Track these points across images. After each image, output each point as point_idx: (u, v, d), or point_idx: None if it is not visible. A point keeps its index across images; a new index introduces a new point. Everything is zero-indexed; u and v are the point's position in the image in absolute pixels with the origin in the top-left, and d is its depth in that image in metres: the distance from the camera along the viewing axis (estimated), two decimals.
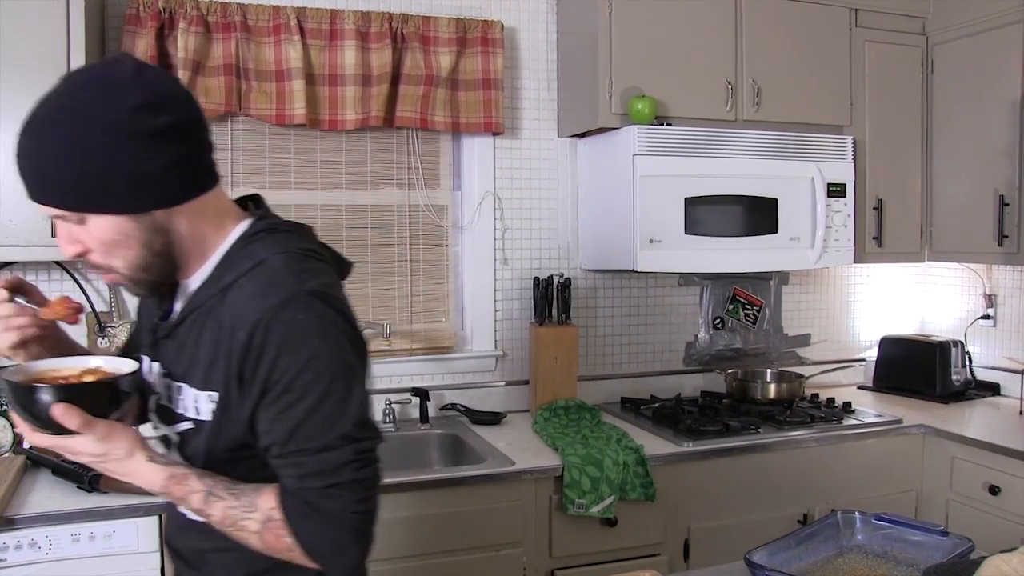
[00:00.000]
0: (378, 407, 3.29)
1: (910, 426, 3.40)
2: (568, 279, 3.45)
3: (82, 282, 2.94)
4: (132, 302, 3.00)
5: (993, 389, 3.95)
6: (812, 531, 1.91)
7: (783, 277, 4.06)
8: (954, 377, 3.87)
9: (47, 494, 2.43)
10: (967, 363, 3.96)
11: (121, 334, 2.89)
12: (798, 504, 3.19)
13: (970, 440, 3.23)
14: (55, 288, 2.92)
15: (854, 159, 3.55)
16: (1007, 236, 3.42)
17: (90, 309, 2.94)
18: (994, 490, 3.11)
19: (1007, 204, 3.43)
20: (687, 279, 3.85)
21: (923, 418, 3.46)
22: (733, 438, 3.13)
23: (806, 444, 3.20)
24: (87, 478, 2.42)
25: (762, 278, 4.00)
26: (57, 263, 2.85)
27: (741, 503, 3.10)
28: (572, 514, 2.80)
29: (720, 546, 3.03)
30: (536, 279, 3.38)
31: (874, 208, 3.68)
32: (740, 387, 3.65)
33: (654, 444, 3.03)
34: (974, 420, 3.49)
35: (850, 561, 1.88)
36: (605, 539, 2.89)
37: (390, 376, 3.36)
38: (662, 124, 3.24)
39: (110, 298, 2.96)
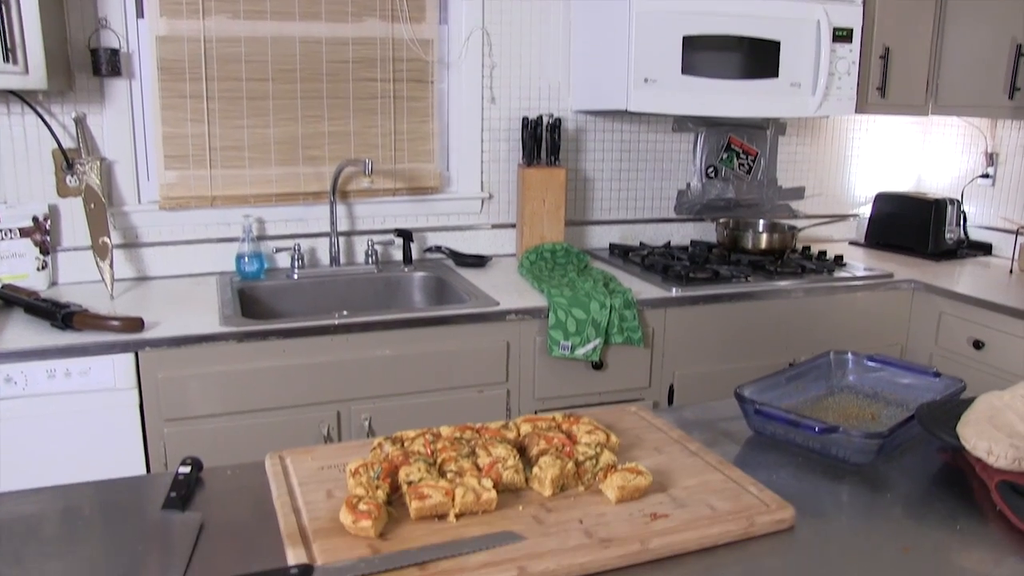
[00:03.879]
0: (360, 248, 3.22)
1: (900, 281, 3.36)
2: (558, 119, 3.32)
3: (45, 116, 2.77)
4: (102, 138, 2.86)
5: (985, 249, 3.91)
6: (803, 370, 1.88)
7: (780, 127, 3.95)
8: (947, 236, 3.82)
9: (20, 331, 2.36)
10: (962, 222, 3.91)
11: (92, 172, 2.75)
12: (784, 354, 3.17)
13: (959, 295, 3.21)
14: (16, 123, 2.76)
15: (863, 2, 3.38)
16: (1019, 89, 3.30)
17: (56, 146, 2.79)
18: (978, 345, 3.11)
19: None
20: (681, 124, 3.73)
21: (914, 274, 3.43)
22: (722, 285, 3.09)
23: (795, 294, 3.16)
24: (60, 316, 2.34)
25: (758, 127, 3.89)
26: (16, 94, 2.68)
27: (727, 351, 3.08)
28: (557, 356, 2.77)
29: (705, 392, 3.03)
30: (525, 119, 3.26)
31: (880, 56, 3.53)
32: (731, 236, 3.59)
33: (642, 289, 2.98)
34: (964, 277, 3.46)
35: (840, 400, 1.85)
36: (590, 382, 2.87)
37: (372, 216, 3.27)
38: None
39: (77, 134, 2.80)
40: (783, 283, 3.17)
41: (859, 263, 3.55)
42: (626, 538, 1.22)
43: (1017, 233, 3.62)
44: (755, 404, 1.62)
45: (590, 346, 2.78)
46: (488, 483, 1.29)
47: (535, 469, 1.36)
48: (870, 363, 1.92)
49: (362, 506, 1.21)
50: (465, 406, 2.70)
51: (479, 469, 1.35)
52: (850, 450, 1.54)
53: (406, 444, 1.43)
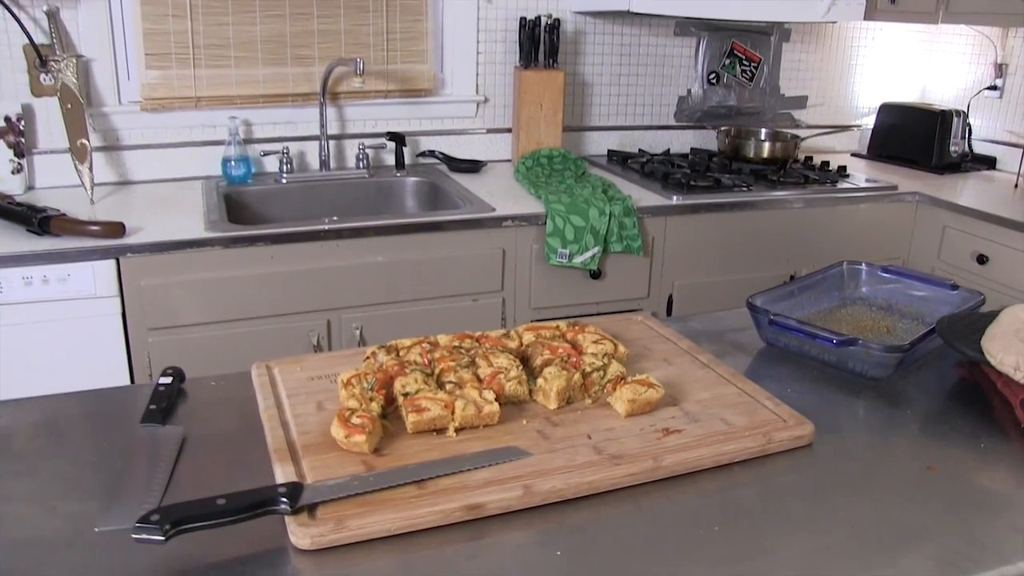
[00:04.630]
0: (351, 152, 3.10)
1: (904, 193, 3.28)
2: (557, 20, 3.17)
3: (14, 9, 2.58)
4: (77, 34, 2.70)
5: (989, 163, 3.82)
6: (815, 280, 1.80)
7: (784, 33, 3.80)
8: (952, 148, 3.72)
9: None
10: (967, 135, 3.80)
11: (67, 70, 2.60)
12: (785, 266, 3.11)
13: (963, 208, 3.14)
14: None
15: None
16: None
17: (27, 41, 2.62)
18: (982, 259, 3.05)
19: None
20: (683, 27, 3.57)
21: (917, 186, 3.35)
22: (724, 194, 3.00)
23: (798, 205, 3.07)
24: (37, 220, 2.23)
25: (762, 32, 3.74)
26: None
27: (727, 262, 3.01)
28: (554, 264, 2.68)
29: (704, 303, 2.96)
30: (522, 19, 3.12)
31: None
32: (732, 145, 3.48)
33: (642, 196, 2.88)
34: (968, 191, 3.38)
35: (853, 312, 1.78)
36: (587, 291, 2.79)
37: (364, 119, 3.13)
38: None
39: (50, 28, 2.63)
40: (785, 193, 3.08)
41: (862, 175, 3.45)
42: (637, 455, 1.15)
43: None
44: (769, 314, 1.54)
45: (588, 254, 2.70)
46: (490, 395, 1.21)
47: (539, 381, 1.28)
48: (884, 274, 1.84)
49: (355, 419, 1.13)
50: (459, 315, 2.63)
51: (480, 380, 1.27)
52: (868, 364, 1.47)
53: (401, 353, 1.35)
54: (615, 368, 1.32)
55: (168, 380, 1.32)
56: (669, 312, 2.96)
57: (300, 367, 1.37)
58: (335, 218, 2.49)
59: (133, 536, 0.89)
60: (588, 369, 1.30)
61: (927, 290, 1.80)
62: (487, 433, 1.19)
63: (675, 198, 2.90)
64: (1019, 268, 2.90)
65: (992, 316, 1.53)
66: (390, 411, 1.23)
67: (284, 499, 0.97)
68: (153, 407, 1.24)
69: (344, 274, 2.47)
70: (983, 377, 1.54)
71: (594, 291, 2.80)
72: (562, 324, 1.48)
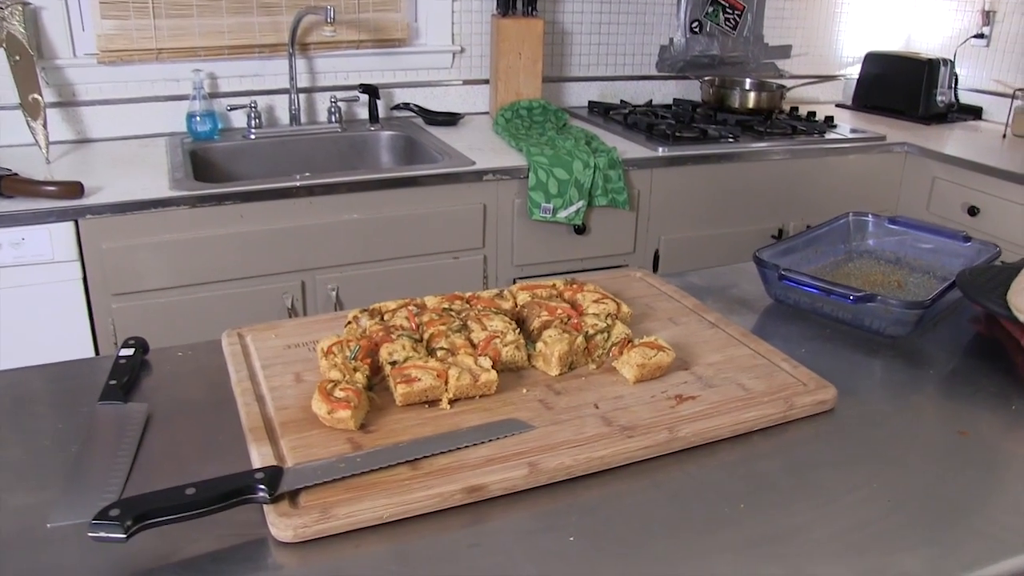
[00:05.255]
0: (322, 105, 2.94)
1: (893, 144, 3.19)
2: None
3: None
4: None
5: (975, 113, 3.74)
6: (820, 233, 1.69)
7: None
8: (939, 98, 3.63)
9: None
10: (953, 84, 3.71)
11: (13, 19, 2.43)
12: (772, 219, 3.02)
13: (953, 159, 3.05)
14: None
15: None
16: None
17: None
18: (973, 211, 2.97)
19: None
20: None
21: (905, 137, 3.26)
22: (710, 145, 2.89)
23: (786, 156, 2.97)
24: None
25: None
26: None
27: (714, 215, 2.91)
28: (537, 219, 2.57)
29: (691, 258, 2.87)
30: None
31: None
32: (717, 95, 3.36)
33: (627, 148, 2.77)
34: (957, 141, 3.29)
35: (861, 266, 1.68)
36: (572, 247, 2.68)
37: (335, 71, 2.98)
38: None
39: None
40: (772, 144, 2.98)
41: (848, 125, 3.36)
42: (651, 425, 1.05)
43: (1013, 97, 3.43)
44: (779, 270, 1.43)
45: (573, 208, 2.58)
46: (486, 362, 1.10)
47: (539, 345, 1.17)
48: (892, 226, 1.74)
49: (338, 392, 1.01)
50: (439, 273, 2.51)
51: (473, 346, 1.16)
52: (886, 321, 1.37)
53: (386, 317, 1.23)
54: (620, 330, 1.21)
55: (130, 352, 1.20)
56: (655, 268, 2.86)
57: (275, 334, 1.25)
58: (307, 174, 2.36)
59: (90, 535, 0.78)
60: (591, 331, 1.20)
61: (937, 242, 1.70)
62: (484, 404, 1.09)
63: (661, 150, 2.79)
64: (1011, 219, 2.83)
65: (1015, 268, 1.44)
66: (376, 382, 1.11)
67: (262, 486, 0.86)
68: (113, 382, 1.12)
69: (318, 233, 2.34)
70: (1003, 333, 1.45)
71: (579, 247, 2.70)
72: (559, 282, 1.37)
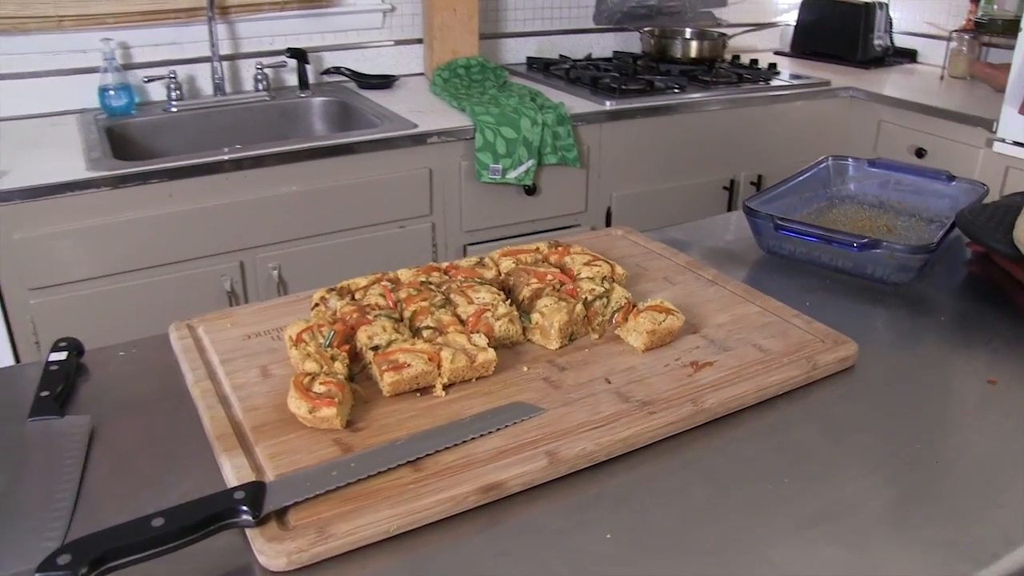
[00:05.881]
0: (247, 73, 2.75)
1: (838, 88, 3.13)
2: None
3: None
4: None
5: (911, 56, 3.71)
6: (801, 180, 1.60)
7: None
8: (876, 42, 3.59)
9: None
10: (889, 28, 3.66)
11: None
12: (723, 170, 2.94)
13: (899, 101, 3.00)
14: None
15: None
16: None
17: None
18: (920, 153, 2.93)
19: None
20: None
21: (847, 81, 3.20)
22: (658, 97, 2.78)
23: (734, 105, 2.89)
24: None
25: None
26: None
27: (665, 169, 2.81)
28: (486, 181, 2.43)
29: (644, 214, 2.77)
30: None
31: None
32: (658, 45, 3.25)
33: (573, 104, 2.64)
34: (897, 84, 3.25)
35: (846, 212, 1.59)
36: (523, 209, 2.56)
37: (259, 36, 2.78)
38: None
39: None
40: (720, 93, 2.88)
41: (789, 72, 3.28)
42: (671, 398, 0.94)
43: (949, 39, 3.40)
44: (775, 219, 1.33)
45: (522, 168, 2.46)
46: (481, 339, 0.98)
47: (535, 316, 1.05)
48: (872, 168, 1.66)
49: (318, 387, 0.88)
50: (386, 244, 2.37)
51: (462, 322, 1.03)
52: (890, 268, 1.28)
53: (358, 297, 1.09)
54: (620, 294, 1.09)
55: (62, 356, 1.03)
56: (608, 225, 2.75)
57: (231, 323, 1.10)
58: (237, 147, 2.18)
59: None
60: (589, 298, 1.07)
61: (919, 183, 1.62)
62: (483, 388, 0.96)
63: (608, 103, 2.68)
64: (958, 160, 2.79)
65: (1014, 206, 1.36)
66: (357, 371, 0.98)
67: (244, 507, 0.72)
68: (45, 394, 0.95)
69: (254, 208, 2.17)
70: (1000, 273, 1.38)
71: (529, 208, 2.57)
72: (542, 245, 1.24)
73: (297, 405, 0.86)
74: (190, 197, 2.08)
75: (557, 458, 0.83)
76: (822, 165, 1.65)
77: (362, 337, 0.98)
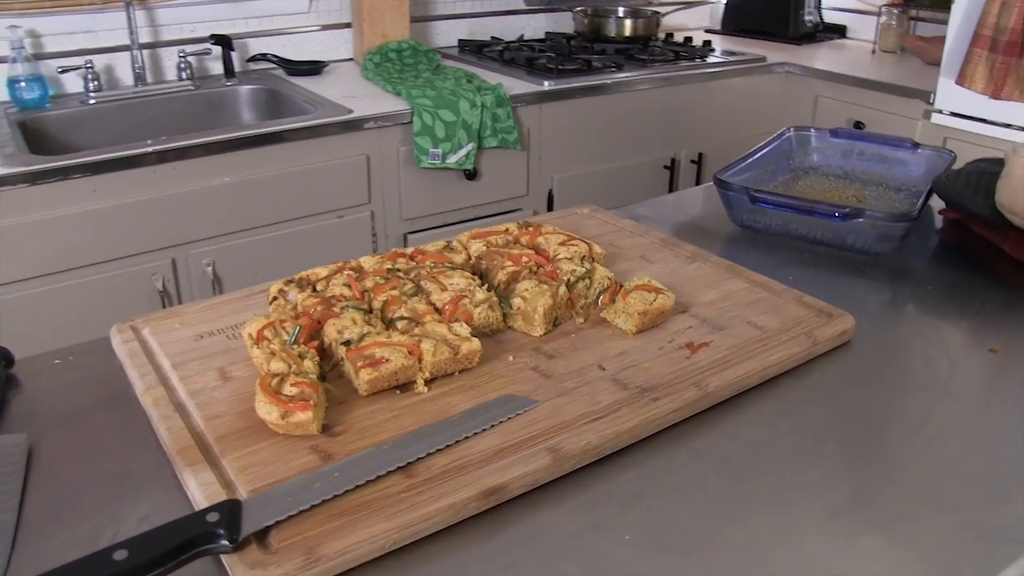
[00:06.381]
0: (170, 62, 2.60)
1: (774, 64, 3.11)
2: None
3: None
4: None
5: (840, 31, 3.71)
6: (763, 153, 1.54)
7: None
8: (806, 18, 3.58)
9: None
10: (818, 4, 3.67)
11: None
12: (664, 149, 2.89)
13: (835, 75, 3.00)
14: None
15: None
16: None
17: None
18: (859, 126, 2.92)
19: None
20: None
21: (781, 57, 3.19)
22: (596, 76, 2.72)
23: (672, 82, 2.84)
24: None
25: None
26: None
27: (605, 150, 2.76)
28: (426, 167, 2.34)
29: (585, 196, 2.66)
30: None
31: None
32: (592, 24, 3.19)
33: (511, 85, 2.56)
34: (831, 59, 3.24)
35: (812, 184, 1.55)
36: (463, 194, 2.47)
37: (181, 23, 2.63)
38: None
39: None
40: (657, 71, 2.83)
41: (722, 49, 3.25)
42: (672, 382, 0.87)
43: (879, 14, 3.41)
44: (750, 191, 1.27)
45: (463, 152, 2.37)
46: (463, 328, 0.89)
47: (516, 301, 0.97)
48: (835, 139, 1.61)
49: (288, 389, 0.78)
50: (325, 235, 2.26)
51: (438, 311, 0.94)
52: (871, 238, 1.23)
53: (320, 287, 1.00)
54: (603, 274, 1.02)
55: None
56: (550, 208, 2.68)
57: (178, 322, 0.99)
58: (163, 138, 2.05)
59: None
60: (571, 279, 1.00)
61: (883, 152, 1.59)
62: (468, 381, 0.88)
63: (546, 83, 2.60)
64: (896, 132, 2.70)
65: (989, 172, 1.33)
66: (328, 369, 0.88)
67: (220, 530, 0.62)
68: None
69: (184, 202, 2.04)
70: (977, 241, 1.35)
71: (470, 193, 2.49)
72: (512, 226, 1.16)
73: (267, 410, 0.77)
74: (115, 192, 1.95)
75: (561, 454, 0.76)
76: (784, 136, 1.60)
77: (331, 331, 0.89)
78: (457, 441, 0.77)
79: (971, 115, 2.54)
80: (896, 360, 0.99)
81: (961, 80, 2.47)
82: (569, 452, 0.76)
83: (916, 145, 1.55)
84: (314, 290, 0.99)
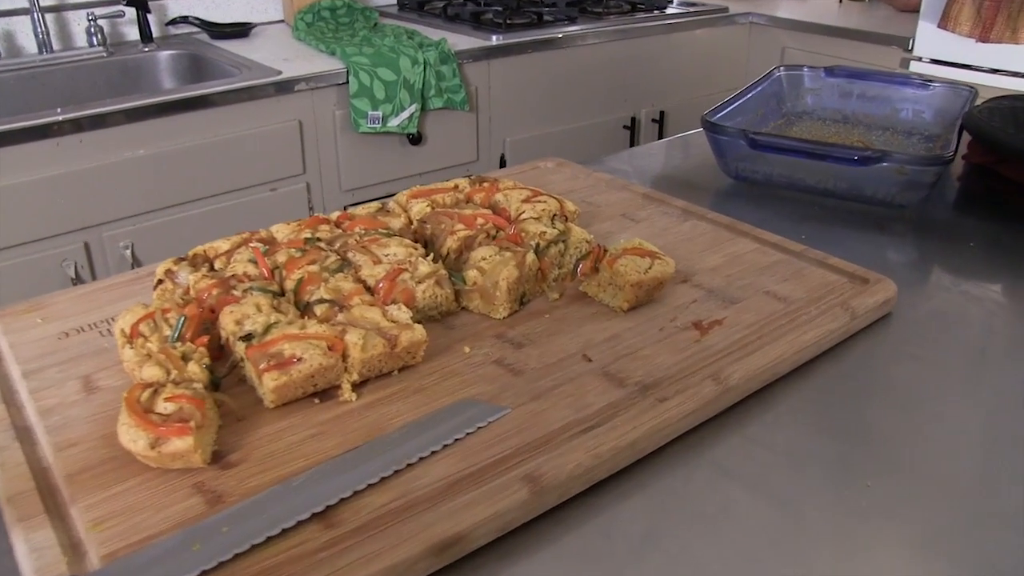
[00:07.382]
0: (78, 26, 2.33)
1: (736, 15, 2.92)
2: None
3: None
4: None
5: None
6: (752, 95, 1.34)
7: None
8: None
9: None
10: None
11: None
12: (623, 108, 2.70)
13: (802, 24, 2.83)
14: None
15: None
16: None
17: None
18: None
19: None
20: None
21: (746, 7, 3.00)
22: (547, 29, 2.52)
23: (629, 35, 2.65)
24: None
25: None
26: None
27: (560, 109, 2.56)
28: (365, 131, 2.12)
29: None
30: None
31: None
32: None
33: (456, 41, 2.35)
34: (795, 9, 3.06)
35: (809, 129, 1.36)
36: (407, 161, 2.26)
37: None
38: None
39: None
40: (613, 24, 2.63)
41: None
42: (681, 375, 0.66)
43: None
44: (749, 135, 1.06)
45: (405, 114, 2.15)
46: (402, 313, 0.67)
47: (470, 274, 0.75)
48: (830, 78, 1.42)
49: (164, 406, 0.56)
50: (256, 210, 2.03)
51: (369, 290, 0.72)
52: (897, 187, 1.04)
53: (218, 265, 0.77)
54: (579, 236, 0.81)
55: None
56: None
57: (41, 316, 0.77)
58: (71, 106, 1.80)
59: None
60: (540, 244, 0.78)
61: (887, 92, 1.40)
62: (410, 382, 0.66)
63: (495, 38, 2.40)
64: None
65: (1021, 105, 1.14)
66: (224, 374, 0.66)
67: None
68: None
69: (98, 178, 1.80)
70: (1005, 186, 1.16)
71: (415, 160, 2.28)
72: (462, 182, 0.94)
73: (132, 437, 0.55)
74: (17, 168, 1.70)
75: (541, 484, 0.54)
76: (774, 76, 1.41)
77: (228, 322, 0.66)
78: (397, 471, 0.55)
79: (954, 61, 2.36)
80: (953, 335, 0.79)
81: (945, 23, 2.29)
82: (552, 480, 0.55)
83: (928, 82, 1.36)
84: (211, 269, 0.77)
